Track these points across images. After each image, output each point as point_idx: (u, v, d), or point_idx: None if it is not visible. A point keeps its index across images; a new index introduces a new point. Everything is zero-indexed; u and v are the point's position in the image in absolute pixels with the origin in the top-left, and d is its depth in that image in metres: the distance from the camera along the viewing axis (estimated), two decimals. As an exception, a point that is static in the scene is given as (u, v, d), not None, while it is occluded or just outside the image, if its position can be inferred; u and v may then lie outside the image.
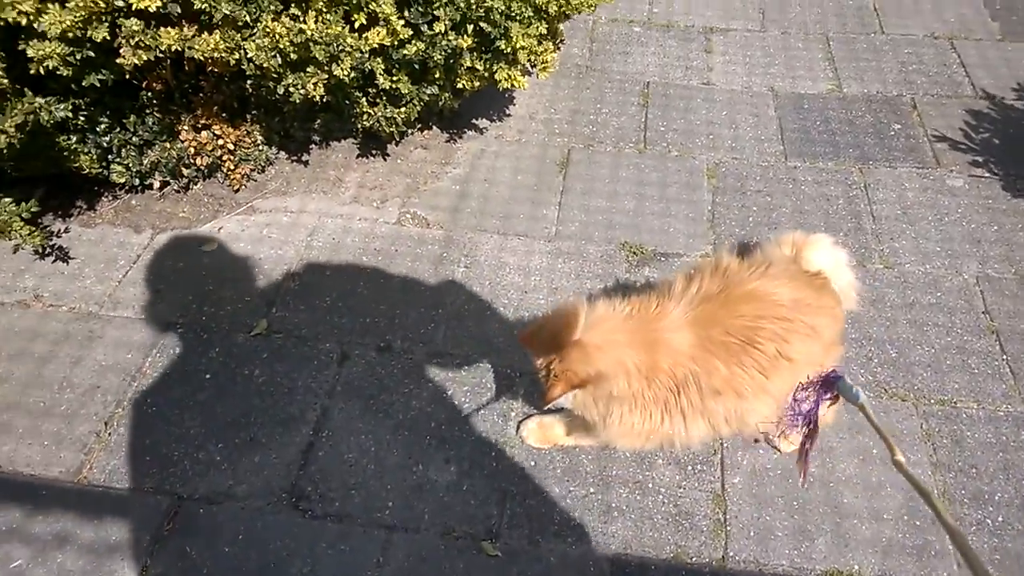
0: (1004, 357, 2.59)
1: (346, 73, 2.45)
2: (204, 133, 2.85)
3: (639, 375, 1.83)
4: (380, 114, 2.78)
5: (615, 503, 2.21)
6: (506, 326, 2.67)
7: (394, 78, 2.69)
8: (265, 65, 2.41)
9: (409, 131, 3.32)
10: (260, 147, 2.99)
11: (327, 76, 2.49)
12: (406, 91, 2.71)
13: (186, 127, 2.83)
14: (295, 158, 3.24)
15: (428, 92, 2.81)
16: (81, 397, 2.42)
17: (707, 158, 3.38)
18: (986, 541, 2.13)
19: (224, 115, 2.85)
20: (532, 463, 2.30)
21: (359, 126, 2.98)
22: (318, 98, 2.56)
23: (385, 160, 3.28)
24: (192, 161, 2.89)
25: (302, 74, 2.53)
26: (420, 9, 2.54)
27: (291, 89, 2.52)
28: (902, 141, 3.47)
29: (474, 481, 2.26)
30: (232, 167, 2.95)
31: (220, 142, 2.87)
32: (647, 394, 1.86)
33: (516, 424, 2.40)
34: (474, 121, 3.49)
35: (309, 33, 2.40)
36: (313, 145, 3.25)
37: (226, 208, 3.05)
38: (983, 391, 2.49)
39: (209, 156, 2.88)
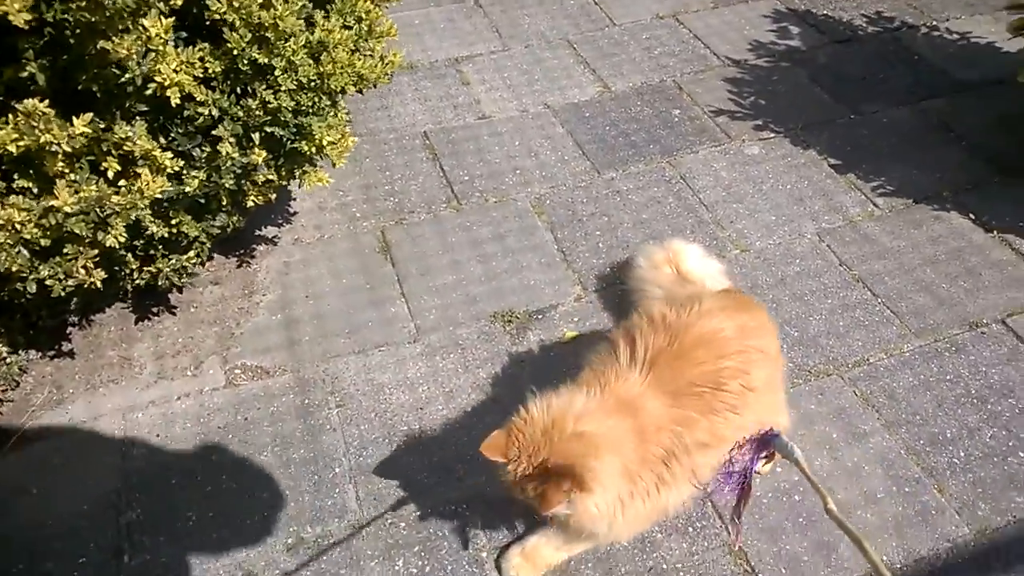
0: (878, 300, 2.90)
1: (121, 239, 2.01)
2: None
3: (635, 455, 1.78)
4: (166, 268, 2.33)
5: (640, 609, 2.08)
6: (423, 457, 2.39)
7: (173, 221, 2.27)
8: (11, 267, 1.89)
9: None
10: (6, 359, 2.37)
11: (96, 251, 2.02)
12: (194, 232, 2.31)
13: None
14: (54, 352, 2.62)
15: (217, 225, 2.42)
16: None
17: (526, 195, 3.35)
18: (963, 480, 2.34)
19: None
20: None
21: (129, 288, 2.49)
22: (90, 282, 2.07)
23: (174, 314, 2.78)
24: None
25: (60, 259, 2.03)
26: (183, 131, 2.17)
27: (51, 282, 2.01)
28: (688, 125, 3.74)
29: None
30: (-23, 397, 2.31)
31: (-45, 370, 2.23)
32: (644, 473, 1.81)
33: (495, 564, 2.16)
34: (259, 233, 3.11)
35: (60, 206, 1.92)
36: (72, 329, 2.66)
37: (-13, 452, 2.38)
38: (882, 339, 2.74)
39: (-57, 393, 2.22)
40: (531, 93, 3.97)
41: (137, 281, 2.43)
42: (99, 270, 2.02)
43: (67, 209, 1.90)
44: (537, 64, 4.18)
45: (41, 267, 1.97)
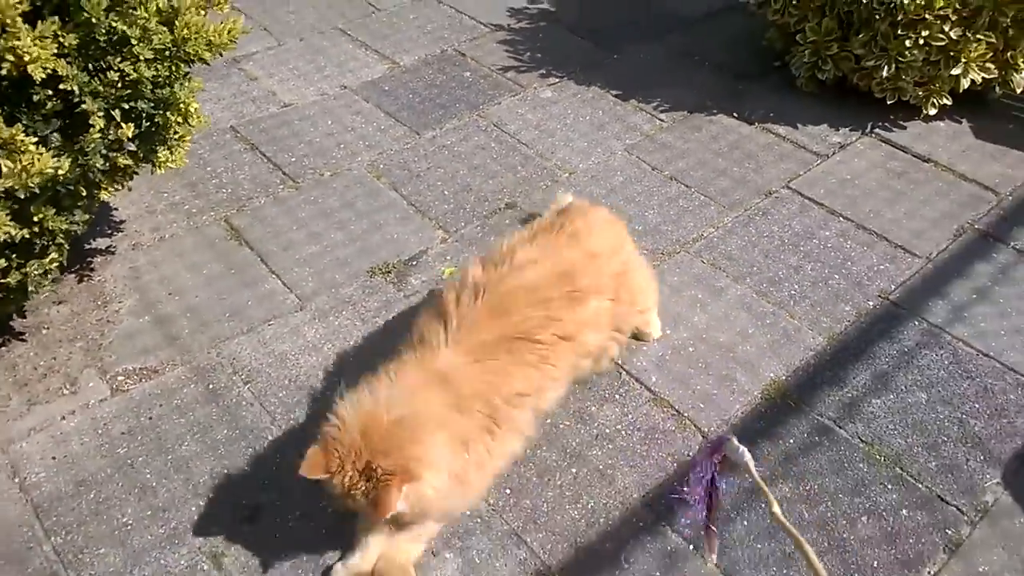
0: (692, 190, 3.33)
1: (8, 228, 1.80)
2: None
3: (457, 420, 1.81)
4: (33, 272, 2.09)
5: (601, 466, 2.25)
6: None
7: (35, 218, 2.06)
8: None
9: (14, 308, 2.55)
10: None
11: None
12: (62, 227, 2.10)
13: None
14: None
15: (76, 221, 2.22)
16: None
17: (358, 164, 3.40)
18: (803, 304, 2.77)
19: None
20: None
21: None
22: None
23: (24, 340, 2.48)
24: None
25: None
26: (38, 116, 1.98)
27: None
28: (483, 83, 4.00)
29: None
30: None
31: None
32: (472, 435, 1.83)
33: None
34: (91, 246, 2.86)
35: None
36: (-98, 377, 2.27)
37: None
38: (706, 217, 3.18)
39: None
40: (324, 79, 4.00)
41: (-17, 301, 2.17)
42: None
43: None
44: (319, 53, 4.21)
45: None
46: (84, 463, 2.19)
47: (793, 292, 2.85)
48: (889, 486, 2.23)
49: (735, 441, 1.77)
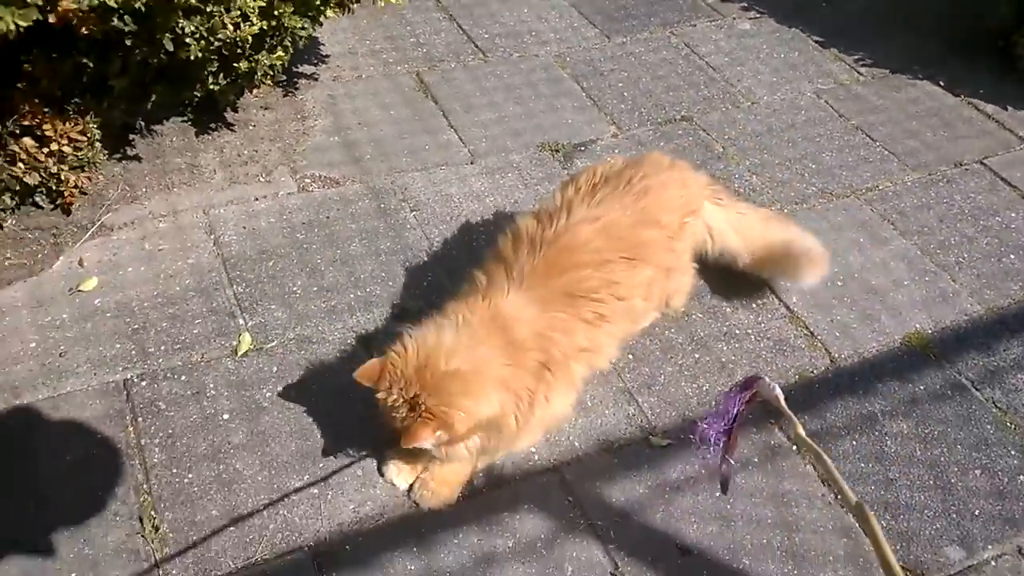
0: (877, 143, 3.37)
1: (259, 4, 2.15)
2: (27, 139, 2.22)
3: (513, 374, 1.86)
4: (261, 63, 2.46)
5: (724, 359, 2.42)
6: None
7: (276, 12, 2.41)
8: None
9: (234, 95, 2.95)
10: (95, 145, 2.41)
11: (238, 12, 2.14)
12: (296, 26, 2.45)
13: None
14: (120, 155, 2.69)
15: (307, 28, 2.57)
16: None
17: (546, 52, 3.63)
18: (969, 273, 2.79)
19: (47, 109, 2.25)
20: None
21: (196, 96, 2.60)
22: (238, 37, 2.18)
23: (233, 130, 2.89)
24: (17, 184, 2.23)
25: (202, 17, 2.14)
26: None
27: (190, 41, 2.12)
28: (682, 3, 4.11)
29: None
30: (66, 180, 2.35)
31: (52, 147, 2.27)
32: (525, 388, 1.88)
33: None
34: (297, 70, 3.25)
35: None
36: (134, 136, 2.72)
37: (67, 237, 2.43)
38: (886, 171, 3.20)
39: (40, 171, 2.26)
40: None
41: (212, 85, 2.55)
42: (246, 27, 2.14)
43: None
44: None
45: (184, 22, 2.08)
46: (268, 238, 2.57)
47: (961, 259, 2.86)
48: (1013, 452, 2.27)
49: (766, 379, 1.76)
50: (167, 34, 2.15)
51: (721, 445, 1.79)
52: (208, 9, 2.16)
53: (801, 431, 1.52)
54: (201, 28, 2.15)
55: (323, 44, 3.43)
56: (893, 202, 3.07)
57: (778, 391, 1.69)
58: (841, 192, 3.09)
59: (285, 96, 3.09)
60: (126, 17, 2.08)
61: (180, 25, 2.15)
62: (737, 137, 3.29)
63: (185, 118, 2.86)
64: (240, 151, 2.84)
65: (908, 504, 2.12)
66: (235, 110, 2.93)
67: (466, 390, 1.77)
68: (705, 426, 1.79)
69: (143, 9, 2.10)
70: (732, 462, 1.78)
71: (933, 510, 2.11)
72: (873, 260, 2.82)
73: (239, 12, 2.21)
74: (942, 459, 2.23)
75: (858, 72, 3.77)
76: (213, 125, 2.88)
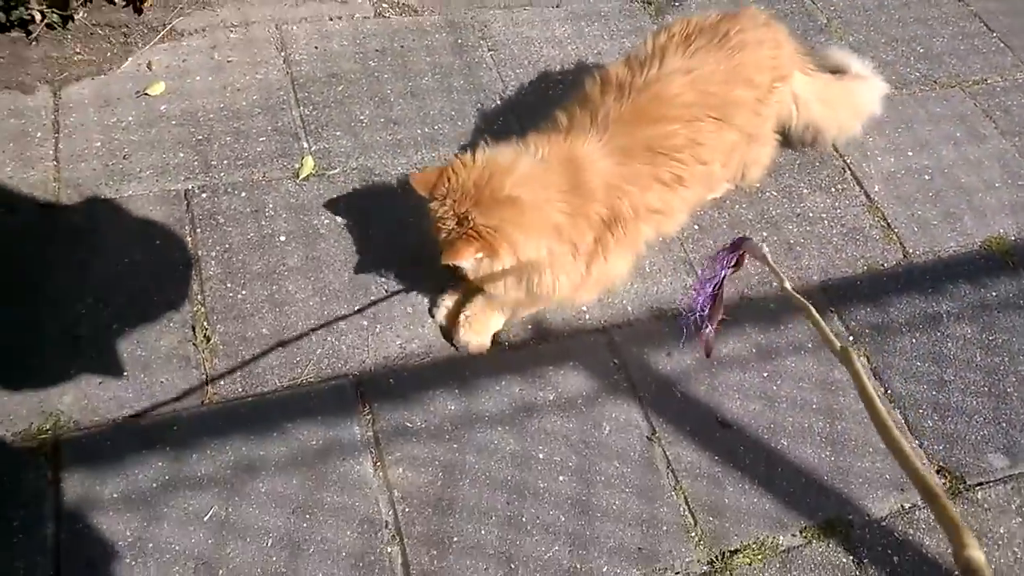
0: (994, 34, 3.08)
1: None
2: (104, -79, 2.13)
3: (574, 220, 1.78)
4: None
5: (792, 240, 2.33)
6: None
7: None
8: None
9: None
10: None
11: None
12: None
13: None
14: (193, -43, 2.58)
15: None
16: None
17: None
18: None
19: None
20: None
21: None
22: None
23: (311, -56, 2.75)
24: (90, -30, 2.17)
25: None
26: None
27: None
28: None
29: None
30: (139, -26, 2.27)
31: (128, -67, 2.17)
32: (583, 237, 1.82)
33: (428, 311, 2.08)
34: None
35: None
36: (210, -64, 2.60)
37: (137, 38, 2.36)
38: (998, 65, 2.94)
39: (114, -42, 2.18)
40: None
41: None
42: None
43: None
44: None
45: None
46: (339, 61, 2.47)
47: (1062, 169, 2.68)
48: (1077, 371, 2.19)
49: (753, 239, 1.67)
50: None
51: (706, 311, 1.74)
52: None
53: (788, 285, 1.49)
54: None
55: None
56: (1000, 98, 2.83)
57: (765, 250, 1.62)
58: (946, 81, 2.85)
59: (369, -85, 2.91)
60: None
61: None
62: (844, 9, 3.02)
63: (263, -75, 2.70)
64: (317, -33, 2.70)
65: (958, 407, 2.06)
66: (315, -77, 2.77)
67: (520, 222, 1.70)
68: (693, 292, 1.75)
69: None
70: (713, 328, 1.70)
71: (983, 416, 2.05)
72: (967, 157, 2.62)
73: None
74: (1001, 368, 2.15)
75: (989, -48, 3.41)
76: (292, -65, 2.73)
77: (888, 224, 2.40)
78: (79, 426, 1.72)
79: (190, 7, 2.46)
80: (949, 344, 2.17)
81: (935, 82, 2.84)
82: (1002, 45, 3.03)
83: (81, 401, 1.75)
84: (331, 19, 2.56)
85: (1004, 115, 2.77)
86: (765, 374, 2.04)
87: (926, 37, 2.99)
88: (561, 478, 1.81)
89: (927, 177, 2.54)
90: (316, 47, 2.48)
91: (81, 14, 2.33)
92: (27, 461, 1.66)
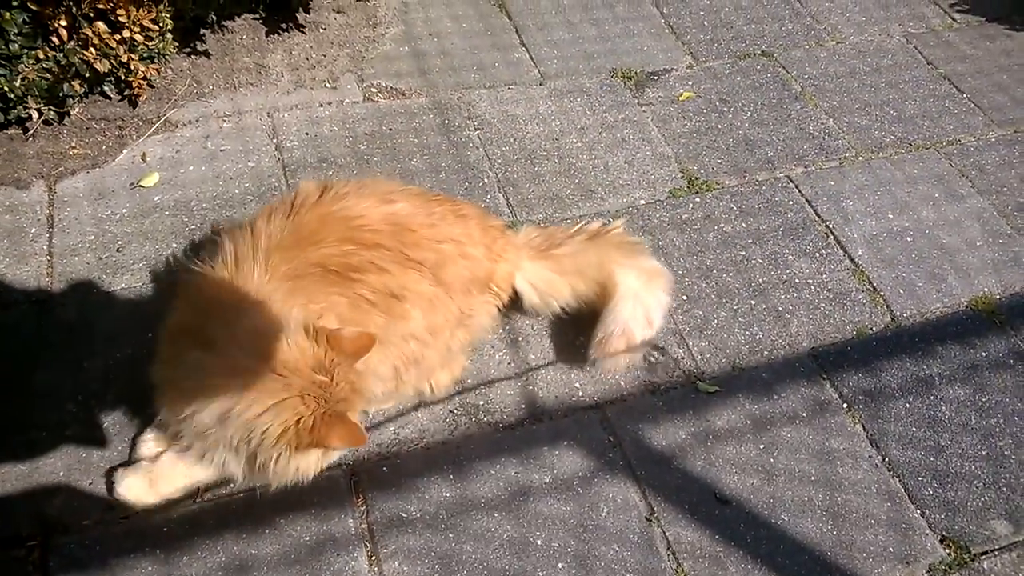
0: (963, 95, 3.05)
1: None
2: (100, 23, 2.08)
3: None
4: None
5: (780, 308, 2.25)
6: (564, 178, 2.46)
7: (352, -96, 2.19)
8: None
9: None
10: (166, 36, 2.27)
11: None
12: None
13: (64, 21, 2.04)
14: (189, 50, 2.54)
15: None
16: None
17: (627, -26, 3.36)
18: None
19: (119, -8, 2.10)
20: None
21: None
22: None
23: (304, 32, 2.71)
24: (87, 70, 2.11)
25: None
26: None
27: None
28: (774, -69, 3.77)
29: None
30: (135, 71, 2.22)
31: (124, 34, 2.13)
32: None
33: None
34: (372, -26, 3.04)
35: None
36: (205, 31, 2.56)
37: (132, 131, 2.31)
38: (969, 125, 2.89)
39: (110, 58, 2.13)
40: None
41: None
42: None
43: None
44: None
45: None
46: (329, 146, 2.42)
47: (1038, 224, 2.61)
48: (1072, 430, 2.09)
49: None
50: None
51: None
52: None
53: None
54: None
55: (399, -50, 3.20)
56: (974, 157, 2.78)
57: None
58: (920, 143, 2.80)
59: (358, 0, 2.88)
60: None
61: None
62: (817, 77, 2.98)
63: (257, 15, 2.67)
64: (309, 54, 2.66)
65: (957, 473, 1.95)
66: (307, 11, 2.73)
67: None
68: None
69: None
70: None
71: (983, 481, 1.94)
72: (947, 217, 2.56)
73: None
74: (997, 430, 2.04)
75: (952, 18, 3.39)
76: (284, 25, 2.69)
77: (874, 287, 2.33)
78: (68, 529, 1.61)
79: (184, 98, 2.42)
80: (943, 408, 2.07)
81: (910, 144, 2.79)
82: (972, 105, 2.99)
83: (71, 503, 1.65)
84: (321, 105, 2.52)
85: (980, 174, 2.72)
86: (761, 446, 1.94)
87: (898, 101, 2.95)
88: (560, 565, 1.70)
89: (909, 239, 2.47)
90: (307, 133, 2.43)
91: (77, 109, 2.28)
92: (14, 568, 1.55)
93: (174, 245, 2.09)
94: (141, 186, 2.21)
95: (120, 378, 1.84)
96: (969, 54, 3.22)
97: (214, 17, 2.50)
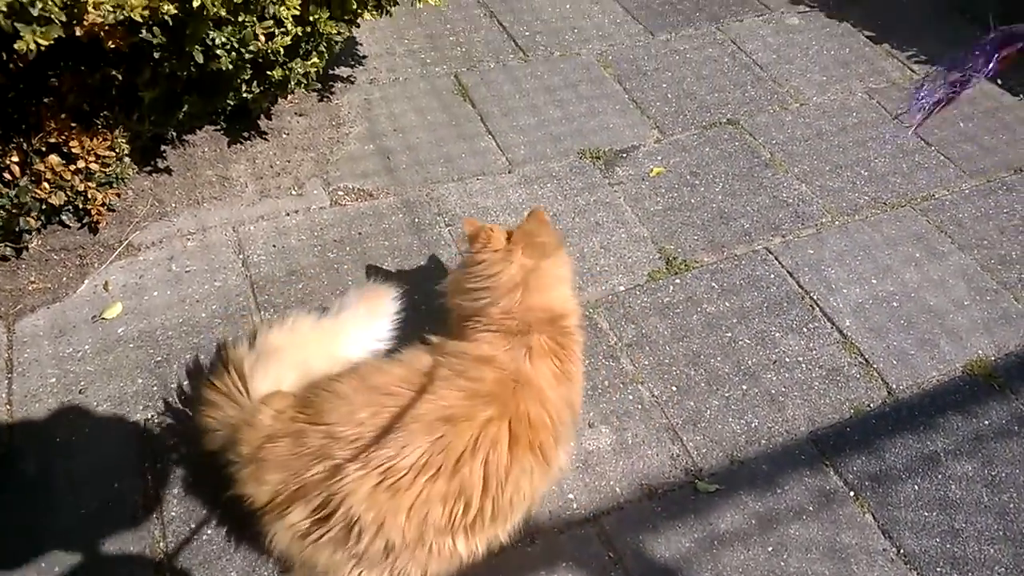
0: (932, 148, 2.99)
1: (294, 9, 1.87)
2: (53, 157, 1.98)
3: None
4: (295, 72, 2.18)
5: (773, 391, 2.13)
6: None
7: (311, 18, 2.12)
8: (209, 10, 1.72)
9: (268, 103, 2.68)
10: (124, 160, 2.17)
11: (271, 21, 1.87)
12: (332, 32, 2.16)
13: (16, 157, 1.94)
14: (150, 168, 2.44)
15: (341, 31, 2.28)
16: None
17: (588, 51, 3.29)
18: None
19: (74, 124, 2.01)
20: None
21: (229, 105, 2.33)
22: (269, 50, 1.92)
23: (266, 139, 2.62)
24: (41, 203, 2.01)
25: (233, 28, 1.87)
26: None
27: (221, 52, 1.85)
28: (729, -5, 3.76)
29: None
30: (93, 198, 2.12)
31: (79, 164, 2.03)
32: None
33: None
34: (333, 72, 2.96)
35: None
36: (166, 147, 2.47)
37: (93, 258, 2.20)
38: (942, 178, 2.83)
39: (66, 189, 2.03)
40: (570, -35, 3.89)
41: (245, 94, 2.28)
42: (280, 38, 1.89)
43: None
44: (570, -60, 4.09)
45: (216, 34, 1.81)
46: (298, 257, 2.31)
47: (1023, 275, 2.52)
48: (1087, 498, 1.97)
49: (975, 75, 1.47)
50: (197, 46, 1.89)
51: (932, 101, 1.57)
52: (240, 19, 1.89)
53: None
54: (232, 39, 1.89)
55: (360, 44, 3.13)
56: (950, 212, 2.71)
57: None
58: (895, 201, 2.73)
59: (320, 101, 2.81)
60: (155, 29, 1.82)
61: (210, 36, 1.88)
62: (785, 142, 2.93)
63: (218, 127, 2.59)
64: (273, 161, 2.57)
65: (976, 559, 1.82)
66: (269, 117, 2.66)
67: None
68: (931, 78, 1.56)
69: (171, 21, 1.84)
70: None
71: (1004, 566, 1.81)
72: (930, 277, 2.47)
73: (272, 21, 1.93)
74: (1011, 506, 1.92)
75: (911, 69, 3.36)
76: (246, 133, 2.61)
77: (866, 360, 2.22)
78: None
79: (147, 219, 2.31)
80: (952, 486, 1.95)
81: (885, 203, 2.72)
82: (942, 157, 2.93)
83: None
84: (288, 214, 2.42)
85: (958, 229, 2.65)
86: (770, 548, 1.80)
87: (868, 159, 2.89)
88: None
89: (896, 304, 2.38)
90: (274, 245, 2.33)
91: (35, 243, 2.17)
92: None
93: (139, 381, 1.96)
94: (104, 318, 2.08)
95: (82, 541, 1.69)
96: (932, 105, 3.18)
97: (174, 133, 2.42)
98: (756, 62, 3.32)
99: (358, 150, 2.68)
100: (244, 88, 2.27)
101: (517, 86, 3.06)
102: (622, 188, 2.68)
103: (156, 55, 1.95)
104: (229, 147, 2.55)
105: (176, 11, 1.79)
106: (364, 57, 3.07)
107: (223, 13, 1.87)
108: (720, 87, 3.16)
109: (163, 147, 2.48)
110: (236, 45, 1.88)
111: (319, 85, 2.80)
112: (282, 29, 2.07)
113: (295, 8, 2.01)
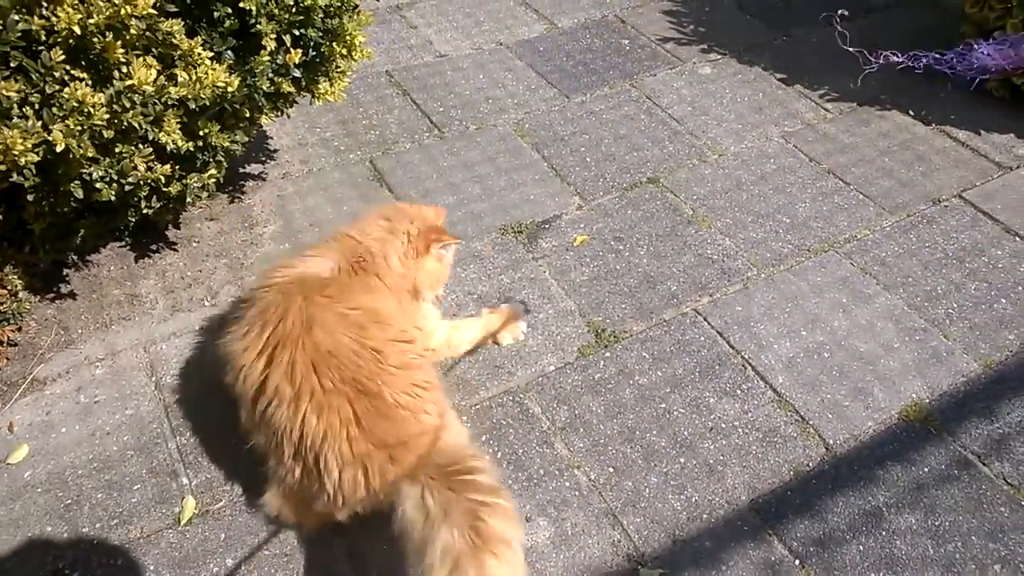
0: (850, 187, 3.09)
1: (176, 137, 1.88)
2: (-65, 302, 1.95)
3: None
4: (191, 186, 2.19)
5: (711, 460, 2.14)
6: (468, 356, 2.36)
7: (200, 133, 2.14)
8: (77, 155, 1.73)
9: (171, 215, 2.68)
10: (19, 295, 2.14)
11: (150, 150, 1.88)
12: (224, 143, 2.18)
13: None
14: (53, 295, 2.41)
15: (239, 140, 2.30)
16: None
17: (504, 121, 3.36)
18: (961, 326, 2.51)
19: (-46, 265, 1.99)
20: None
21: (130, 222, 2.32)
22: (151, 179, 1.93)
23: (175, 250, 2.61)
24: (-71, 351, 1.97)
25: (111, 160, 1.88)
26: (217, 32, 2.05)
27: (100, 185, 1.85)
28: (640, 52, 3.86)
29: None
30: (-13, 337, 2.08)
31: (-35, 306, 2.00)
32: None
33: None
34: (244, 171, 2.97)
35: (139, 85, 1.78)
36: (69, 270, 2.44)
37: (-4, 398, 2.16)
38: (863, 218, 2.93)
39: (-47, 333, 1.99)
40: (481, 33, 3.98)
41: (145, 210, 2.28)
42: (162, 165, 1.89)
43: (147, 88, 1.78)
44: (479, 7, 4.19)
45: (93, 168, 1.81)
46: (216, 372, 2.28)
47: (951, 311, 2.59)
48: (1032, 537, 2.00)
49: None
50: (74, 183, 1.89)
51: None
52: (117, 150, 1.89)
53: None
54: (111, 172, 1.89)
55: (271, 138, 3.16)
56: (873, 252, 2.79)
57: None
58: (818, 247, 2.80)
59: (231, 203, 2.82)
60: (25, 171, 1.81)
61: (87, 171, 1.88)
62: (706, 196, 3.01)
63: (123, 243, 2.58)
64: (183, 273, 2.56)
65: (927, 618, 1.84)
66: (177, 226, 2.65)
67: None
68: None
69: (34, 169, 1.84)
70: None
71: (958, 621, 1.84)
72: (859, 322, 2.53)
73: (151, 151, 1.94)
74: (957, 556, 1.94)
75: (824, 108, 3.49)
76: (154, 246, 2.60)
77: (802, 417, 2.25)
78: None
79: (52, 350, 2.27)
80: (897, 542, 1.97)
81: (808, 250, 2.79)
82: (861, 196, 3.03)
83: None
84: (201, 328, 2.40)
85: (883, 268, 2.72)
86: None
87: (788, 206, 2.98)
88: None
89: (827, 354, 2.43)
90: (188, 363, 2.30)
91: (-70, 388, 2.13)
92: None
93: (48, 528, 1.91)
94: (9, 464, 2.02)
95: None
96: (848, 143, 3.30)
97: (74, 256, 2.40)
98: (672, 116, 3.42)
99: (273, 251, 2.68)
100: (144, 205, 2.27)
101: (434, 165, 3.10)
102: (546, 261, 2.72)
103: (30, 196, 1.95)
104: (136, 262, 2.54)
105: (40, 158, 1.80)
106: (275, 151, 3.09)
107: (91, 153, 1.87)
108: (638, 145, 3.24)
109: (65, 271, 2.46)
110: (115, 176, 1.88)
111: (221, 194, 2.81)
112: (170, 150, 2.08)
113: (175, 132, 2.00)
